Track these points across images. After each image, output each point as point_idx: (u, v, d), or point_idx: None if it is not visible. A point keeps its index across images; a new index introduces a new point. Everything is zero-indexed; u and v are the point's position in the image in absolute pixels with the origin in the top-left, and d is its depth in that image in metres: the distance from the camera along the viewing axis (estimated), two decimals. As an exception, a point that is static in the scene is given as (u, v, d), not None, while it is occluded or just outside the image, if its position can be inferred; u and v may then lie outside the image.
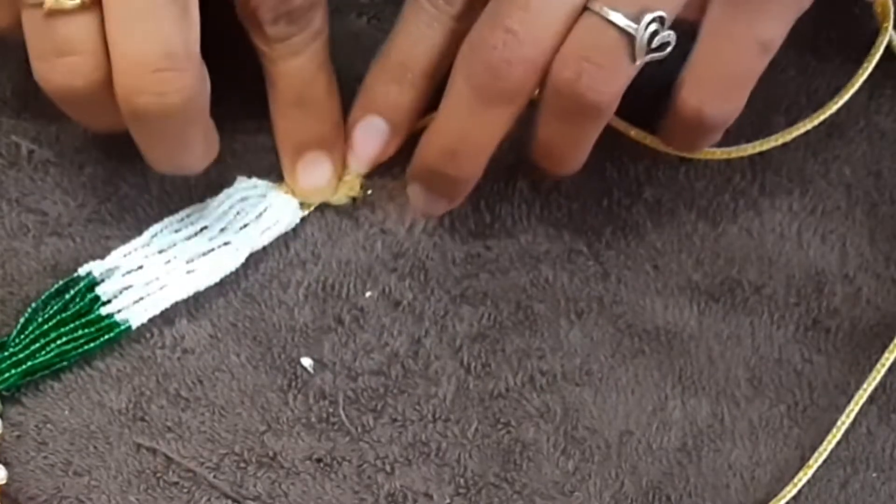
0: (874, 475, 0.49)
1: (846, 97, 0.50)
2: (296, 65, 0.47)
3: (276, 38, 0.46)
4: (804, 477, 0.48)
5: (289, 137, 0.49)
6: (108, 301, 0.47)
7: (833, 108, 0.50)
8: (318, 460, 0.47)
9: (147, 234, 0.48)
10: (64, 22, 0.42)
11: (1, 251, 0.48)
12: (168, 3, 0.41)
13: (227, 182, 0.49)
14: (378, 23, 0.50)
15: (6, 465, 0.46)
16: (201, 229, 0.48)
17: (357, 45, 0.50)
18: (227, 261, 0.48)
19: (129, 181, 0.49)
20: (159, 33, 0.41)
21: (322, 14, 0.47)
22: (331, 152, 0.49)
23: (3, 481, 0.46)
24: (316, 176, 0.49)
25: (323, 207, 0.49)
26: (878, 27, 0.51)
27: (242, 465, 0.47)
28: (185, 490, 0.46)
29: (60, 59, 0.42)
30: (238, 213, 0.48)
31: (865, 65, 0.50)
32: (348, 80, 0.49)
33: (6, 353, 0.46)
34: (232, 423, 0.47)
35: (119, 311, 0.47)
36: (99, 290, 0.47)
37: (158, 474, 0.46)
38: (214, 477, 0.47)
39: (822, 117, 0.50)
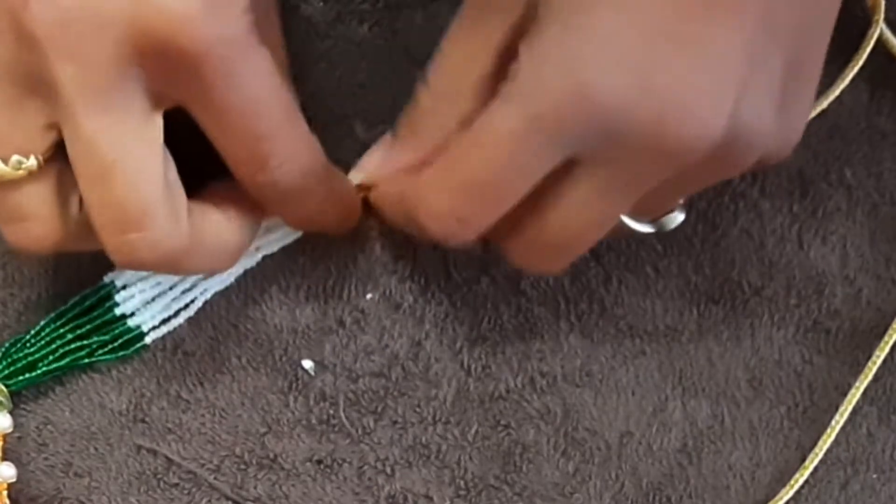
0: (874, 476, 0.49)
1: (837, 91, 0.50)
2: None
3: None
4: (800, 478, 0.48)
5: None
6: (126, 311, 0.47)
7: (825, 102, 0.50)
8: (319, 462, 0.47)
9: None
10: (11, 191, 0.41)
11: (1, 252, 0.48)
12: (120, 163, 0.40)
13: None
14: (379, 30, 0.50)
15: (6, 465, 0.46)
16: None
17: (358, 52, 0.50)
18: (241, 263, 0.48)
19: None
20: (113, 200, 0.40)
21: None
22: None
23: (13, 479, 0.46)
24: None
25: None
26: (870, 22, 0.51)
27: (243, 466, 0.47)
28: (186, 491, 0.46)
29: (14, 225, 0.42)
30: None
31: (857, 57, 0.50)
32: (350, 88, 0.49)
33: (21, 354, 0.46)
34: (232, 425, 0.47)
35: (138, 325, 0.47)
36: (118, 298, 0.47)
37: (159, 476, 0.47)
38: (215, 478, 0.47)
39: (816, 111, 0.49)
